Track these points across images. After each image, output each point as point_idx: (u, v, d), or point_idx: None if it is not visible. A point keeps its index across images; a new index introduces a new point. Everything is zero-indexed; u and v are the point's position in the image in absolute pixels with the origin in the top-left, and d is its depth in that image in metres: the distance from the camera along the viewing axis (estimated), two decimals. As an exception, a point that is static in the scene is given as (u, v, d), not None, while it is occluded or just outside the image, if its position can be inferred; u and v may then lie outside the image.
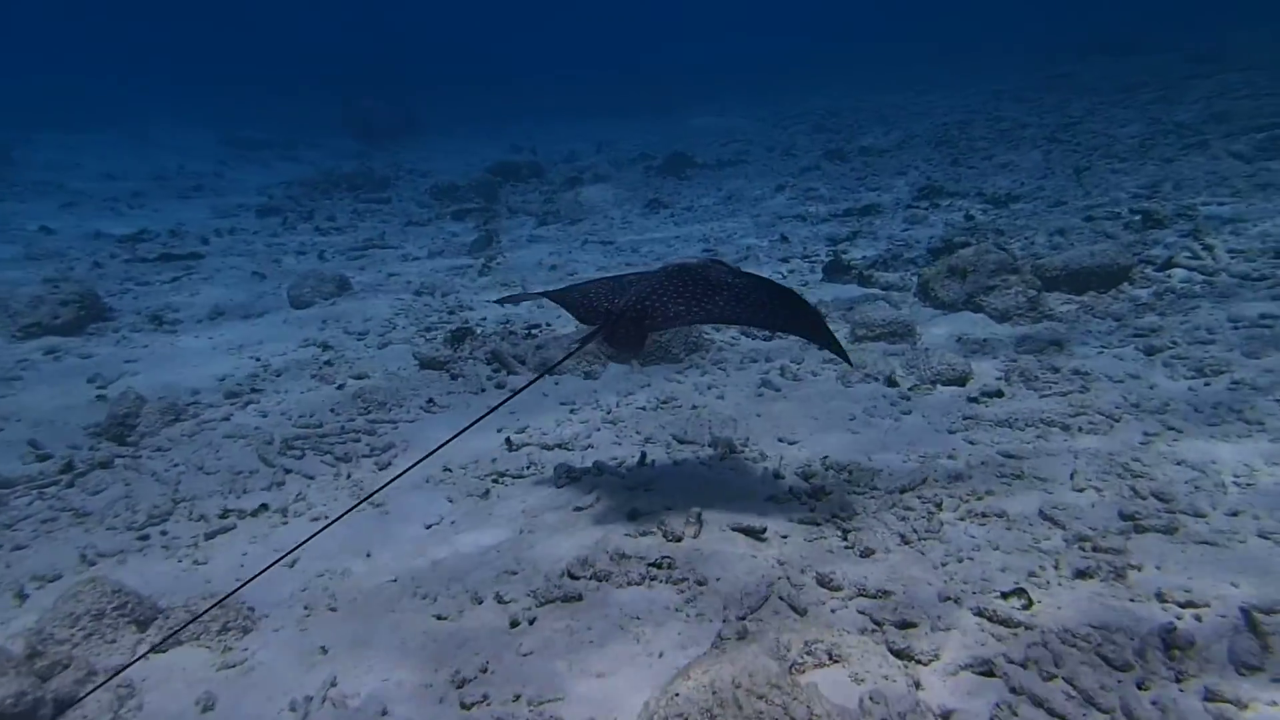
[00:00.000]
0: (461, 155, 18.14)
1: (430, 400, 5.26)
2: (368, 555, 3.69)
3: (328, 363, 5.99)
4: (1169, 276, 6.41)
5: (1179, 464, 3.87)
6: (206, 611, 3.10)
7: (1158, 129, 12.52)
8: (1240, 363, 4.82)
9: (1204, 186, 9.05)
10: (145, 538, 3.95)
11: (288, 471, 4.48)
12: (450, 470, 4.40)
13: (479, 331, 6.36)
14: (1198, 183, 9.20)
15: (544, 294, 4.15)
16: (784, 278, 7.85)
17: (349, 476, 4.42)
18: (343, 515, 3.15)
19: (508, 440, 4.70)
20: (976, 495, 3.79)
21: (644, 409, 5.17)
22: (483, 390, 5.46)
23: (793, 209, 10.73)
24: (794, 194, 11.58)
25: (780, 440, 4.58)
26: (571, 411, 5.16)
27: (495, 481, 4.29)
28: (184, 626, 3.11)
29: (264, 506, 4.12)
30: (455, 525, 3.90)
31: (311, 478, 4.44)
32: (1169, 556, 3.20)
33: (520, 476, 4.34)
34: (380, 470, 4.47)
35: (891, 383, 5.19)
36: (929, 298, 6.60)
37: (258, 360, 6.19)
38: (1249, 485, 3.62)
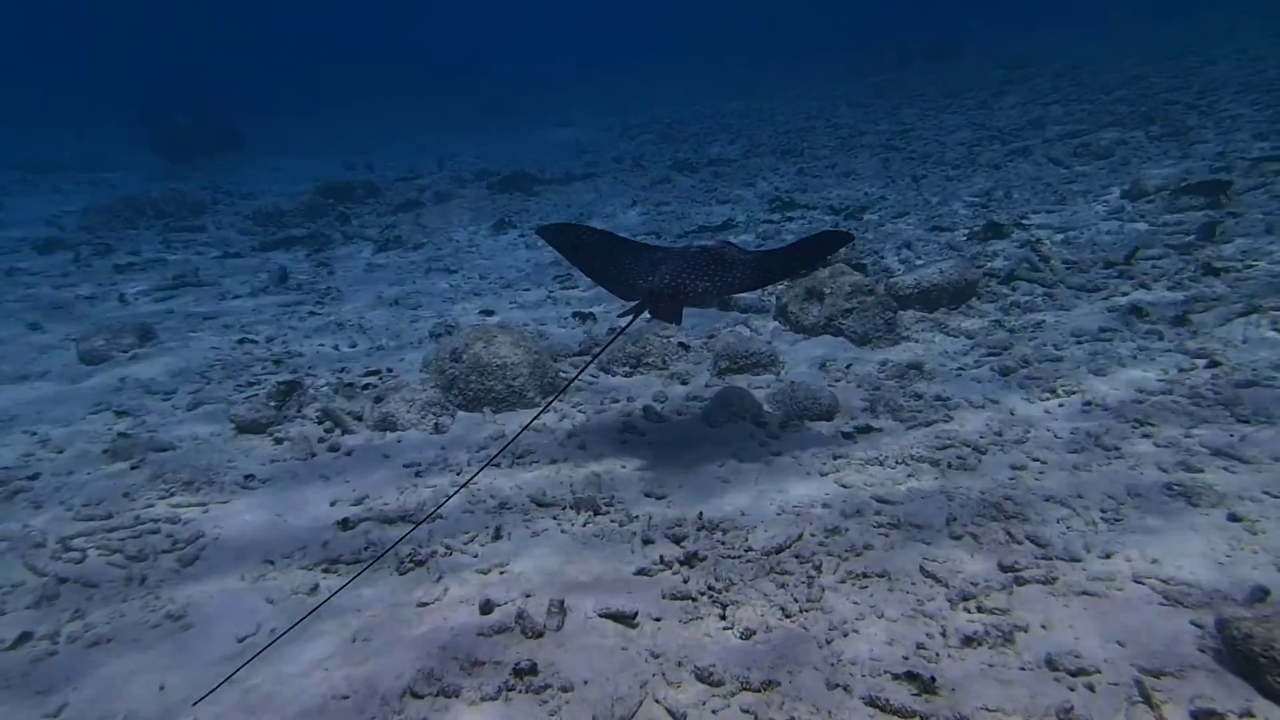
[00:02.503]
0: (292, 175, 16.80)
1: (248, 475, 4.56)
2: (160, 689, 3.04)
3: (123, 434, 5.13)
4: (1013, 289, 6.56)
5: (1048, 500, 3.80)
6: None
7: (983, 135, 13.19)
8: (1089, 382, 4.89)
9: (1032, 194, 9.48)
10: None
11: (62, 581, 3.71)
12: (272, 563, 3.77)
13: (308, 384, 5.66)
14: (1025, 190, 9.64)
15: (572, 261, 4.61)
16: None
17: (143, 581, 3.70)
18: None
19: (343, 520, 4.10)
20: (855, 551, 3.57)
21: (498, 466, 4.70)
22: (313, 455, 4.81)
23: (646, 226, 10.48)
24: (646, 209, 11.35)
25: (648, 495, 4.23)
26: (417, 475, 4.61)
27: (326, 572, 3.70)
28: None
29: (25, 635, 3.35)
30: (275, 635, 3.29)
31: (94, 586, 3.68)
32: (1053, 613, 3.06)
33: (356, 562, 3.77)
34: (184, 567, 3.78)
35: (759, 421, 4.96)
36: (789, 321, 6.46)
37: (34, 436, 5.23)
38: (1117, 521, 3.57)
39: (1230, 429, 4.16)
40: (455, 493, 4.19)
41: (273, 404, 5.24)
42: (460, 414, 5.35)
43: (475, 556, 3.73)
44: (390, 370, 6.06)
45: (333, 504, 4.29)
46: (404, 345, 6.69)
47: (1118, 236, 7.36)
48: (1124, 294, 6.02)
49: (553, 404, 5.27)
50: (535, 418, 4.23)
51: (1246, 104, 11.34)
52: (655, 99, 25.33)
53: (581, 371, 4.43)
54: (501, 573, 3.57)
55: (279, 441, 4.95)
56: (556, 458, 4.69)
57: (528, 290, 8.19)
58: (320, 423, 5.10)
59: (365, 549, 3.86)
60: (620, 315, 4.31)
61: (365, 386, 5.76)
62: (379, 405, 5.20)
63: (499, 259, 9.45)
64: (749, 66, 30.18)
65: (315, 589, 3.54)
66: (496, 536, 3.88)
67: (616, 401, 5.42)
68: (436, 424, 5.13)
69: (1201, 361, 4.84)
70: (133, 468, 4.69)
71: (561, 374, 5.90)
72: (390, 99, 32.21)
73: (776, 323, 6.64)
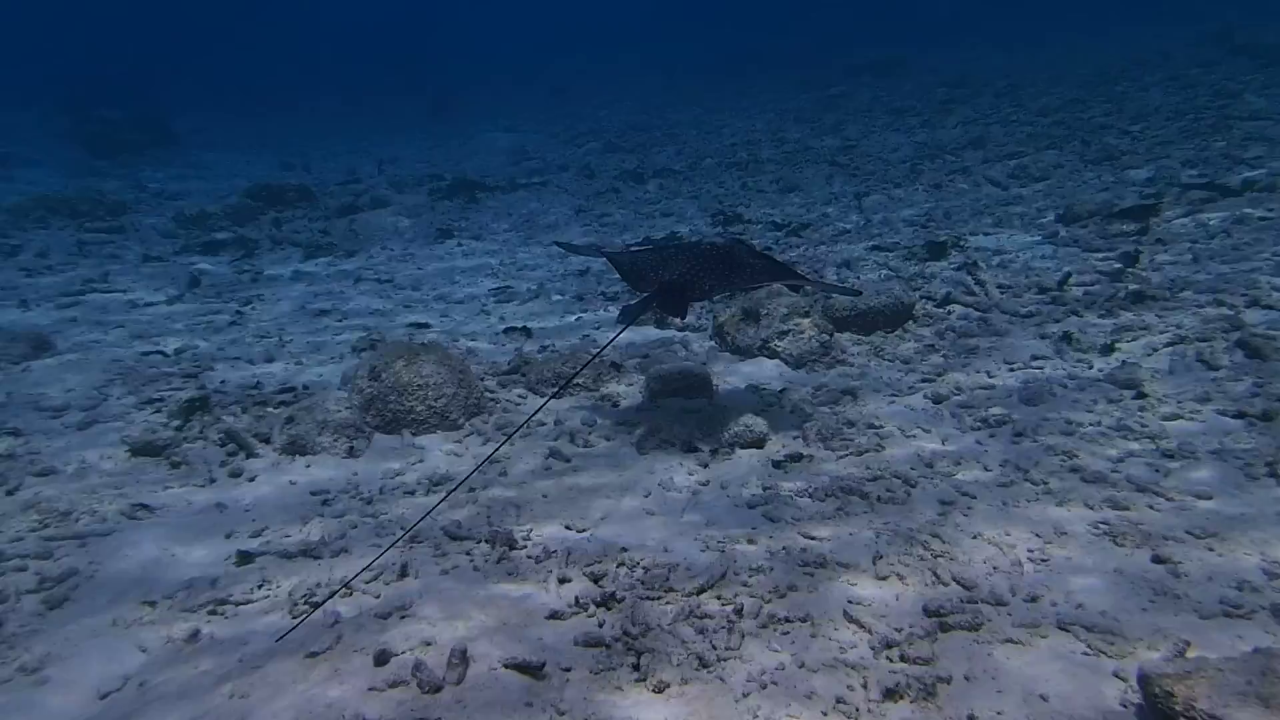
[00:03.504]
0: (224, 175, 16.17)
1: (138, 505, 4.23)
2: (7, 758, 2.74)
3: (4, 456, 4.75)
4: (949, 313, 6.53)
5: (975, 538, 3.70)
6: None
7: (924, 153, 13.32)
8: (1020, 412, 4.84)
9: (970, 215, 9.55)
10: None
11: (-89, 628, 3.36)
12: (151, 604, 3.47)
13: (216, 402, 5.33)
14: (964, 210, 9.71)
15: (602, 253, 5.14)
16: (577, 319, 7.36)
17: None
18: None
19: (240, 554, 3.82)
20: (779, 592, 3.41)
21: (412, 493, 4.46)
22: (212, 481, 4.51)
23: (588, 236, 10.30)
24: (589, 220, 11.16)
25: (568, 528, 4.03)
26: (324, 503, 4.35)
27: (212, 614, 3.42)
28: None
29: None
30: (145, 690, 3.01)
31: (-54, 632, 3.34)
32: (977, 662, 2.94)
33: (247, 602, 3.49)
34: (49, 610, 3.45)
35: (690, 447, 4.80)
36: (725, 342, 6.33)
37: (-99, 457, 4.82)
38: (1043, 562, 3.48)
39: (1156, 464, 4.12)
40: (442, 500, 3.95)
41: (174, 424, 4.92)
42: (378, 436, 5.09)
43: (377, 598, 3.48)
44: (307, 387, 5.76)
45: (229, 536, 4.00)
46: (325, 359, 6.38)
47: (1052, 261, 7.41)
48: (1056, 321, 6.02)
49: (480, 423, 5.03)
50: (542, 407, 4.02)
51: (1176, 131, 11.63)
52: (605, 104, 25.21)
53: (595, 357, 4.79)
54: (403, 617, 3.33)
55: (176, 466, 4.62)
56: (476, 485, 4.46)
57: (461, 302, 7.94)
58: (223, 445, 4.79)
59: (260, 586, 3.59)
60: (628, 305, 4.79)
61: (279, 404, 5.45)
62: (289, 426, 4.91)
63: (435, 269, 9.17)
64: (699, 75, 30.23)
65: (195, 635, 3.26)
66: (403, 574, 3.64)
67: (543, 425, 5.22)
68: (350, 447, 4.86)
69: (1130, 393, 4.83)
70: (8, 494, 4.32)
71: (488, 394, 5.68)
72: (335, 97, 31.47)
73: (713, 343, 6.50)
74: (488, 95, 28.88)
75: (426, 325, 7.16)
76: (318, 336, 6.91)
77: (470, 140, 20.52)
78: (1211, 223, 7.51)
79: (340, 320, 7.32)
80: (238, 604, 3.47)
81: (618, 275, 8.48)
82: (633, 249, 4.86)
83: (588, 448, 4.94)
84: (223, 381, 5.91)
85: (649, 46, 40.85)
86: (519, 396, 5.74)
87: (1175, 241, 7.22)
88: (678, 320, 4.66)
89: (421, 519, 3.88)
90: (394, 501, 4.37)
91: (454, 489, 4.23)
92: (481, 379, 5.97)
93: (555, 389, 5.63)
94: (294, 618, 3.35)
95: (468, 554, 3.81)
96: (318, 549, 3.87)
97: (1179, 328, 5.43)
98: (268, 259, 9.64)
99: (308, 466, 4.67)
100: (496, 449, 4.53)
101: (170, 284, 8.52)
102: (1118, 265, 6.83)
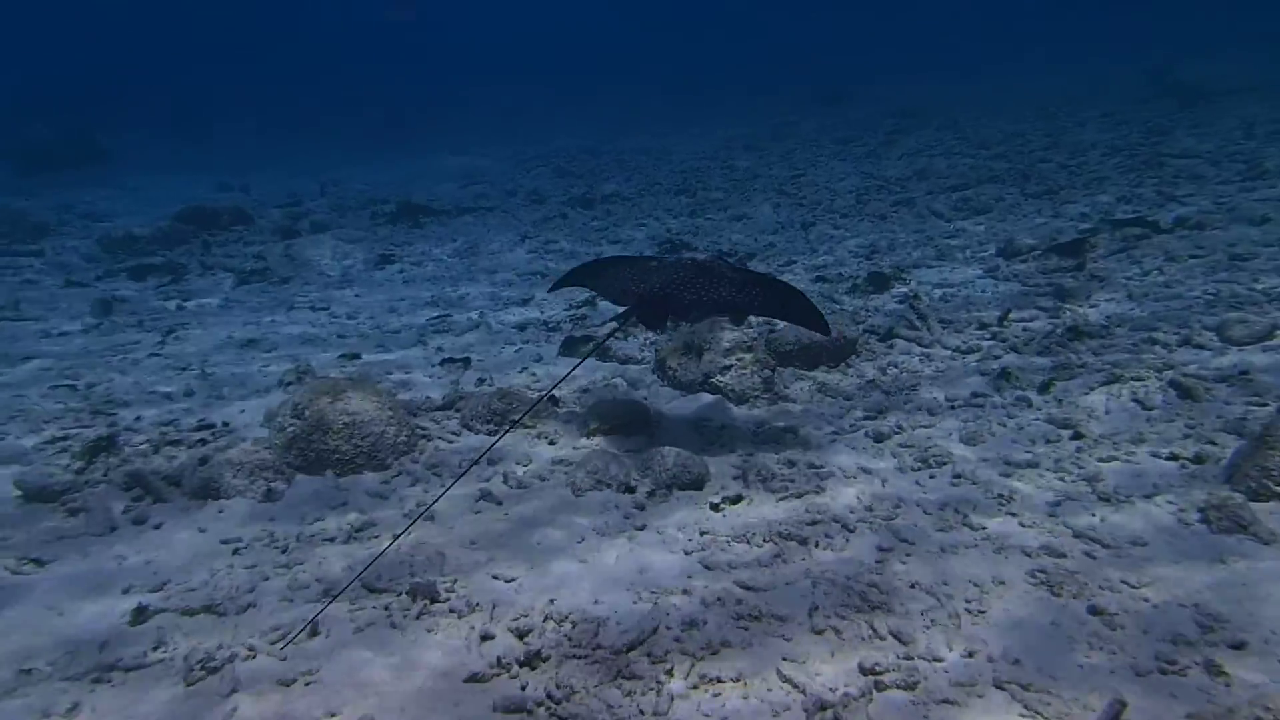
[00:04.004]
0: (158, 197, 15.57)
1: (25, 558, 3.92)
2: None
3: (-118, 502, 4.39)
4: (891, 348, 6.50)
5: (913, 587, 3.61)
6: None
7: (870, 184, 13.46)
8: (959, 451, 4.80)
9: (914, 246, 9.62)
10: None
11: None
12: (28, 673, 3.18)
13: (125, 441, 5.03)
14: (908, 243, 9.78)
15: (578, 277, 5.12)
16: (518, 350, 7.19)
17: None
18: None
19: (136, 611, 3.55)
20: (711, 649, 3.27)
21: (332, 540, 4.22)
22: (113, 529, 4.21)
23: (533, 264, 10.14)
24: (535, 247, 11.01)
25: (495, 578, 3.84)
26: (235, 552, 4.09)
27: (98, 681, 3.15)
28: None
29: None
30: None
31: None
32: (913, 726, 2.83)
33: (139, 667, 3.22)
34: (-83, 681, 3.14)
35: (627, 488, 4.65)
36: (667, 377, 6.21)
37: None
38: (981, 614, 3.40)
39: (1092, 508, 4.09)
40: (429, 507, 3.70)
41: (75, 466, 4.61)
42: (299, 478, 4.84)
43: (282, 660, 3.25)
44: (227, 424, 5.48)
45: (126, 590, 3.73)
46: (250, 393, 6.10)
47: (993, 295, 7.46)
48: (996, 357, 6.02)
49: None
50: (497, 441, 3.84)
51: (1111, 167, 11.93)
52: (557, 128, 25.16)
53: (579, 364, 4.78)
54: (308, 683, 3.11)
55: (73, 513, 4.31)
56: (399, 532, 4.24)
57: (398, 332, 7.70)
58: (128, 489, 4.49)
59: (155, 648, 3.33)
60: (610, 320, 5.09)
61: (195, 444, 5.17)
62: (202, 468, 4.63)
63: (373, 296, 8.91)
64: (652, 100, 30.42)
65: (75, 708, 2.99)
66: (313, 633, 3.41)
67: (475, 464, 5.02)
68: (269, 490, 4.60)
69: (1067, 433, 4.82)
70: (-117, 548, 3.98)
71: (420, 430, 5.46)
72: (281, 116, 30.89)
73: (655, 377, 6.37)
74: (439, 118, 28.63)
75: (358, 356, 6.91)
76: (244, 368, 6.61)
77: (419, 163, 20.25)
78: (1145, 260, 7.64)
79: (269, 351, 7.03)
80: (127, 670, 3.21)
81: (561, 305, 8.39)
82: (612, 259, 5.05)
83: (521, 489, 4.75)
84: (137, 418, 5.59)
85: (602, 71, 41.07)
86: (452, 434, 5.53)
87: (1111, 278, 7.33)
88: (652, 334, 4.89)
89: (351, 581, 3.66)
90: (312, 549, 4.13)
91: (390, 546, 4.01)
92: (414, 414, 5.76)
93: (506, 425, 5.45)
94: (188, 685, 3.11)
95: (386, 609, 3.60)
96: (223, 604, 3.61)
97: (1115, 366, 5.46)
98: (197, 285, 9.26)
99: (220, 512, 4.41)
100: (436, 499, 4.33)
101: (88, 312, 8.11)
102: (1056, 302, 6.90)
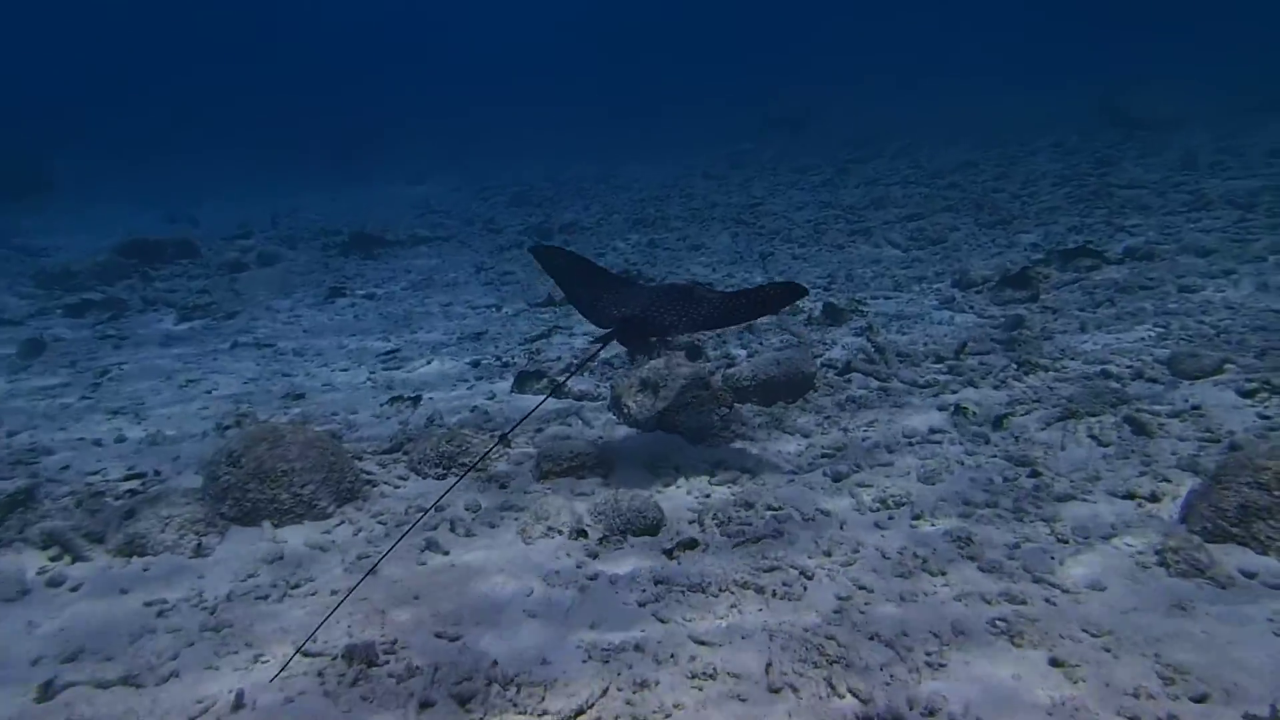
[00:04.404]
0: (102, 227, 15.10)
1: (-74, 628, 3.64)
2: None
3: None
4: (848, 382, 6.44)
5: (873, 639, 3.49)
6: None
7: (828, 213, 13.54)
8: (917, 491, 4.72)
9: (871, 277, 9.64)
10: None
11: None
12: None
13: (45, 495, 4.75)
14: (865, 274, 9.80)
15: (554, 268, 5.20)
16: (471, 386, 7.01)
17: None
18: None
19: (44, 685, 3.29)
20: (664, 711, 3.12)
21: (265, 599, 4.00)
22: (24, 593, 3.94)
23: (487, 297, 9.97)
24: (490, 278, 10.84)
25: (439, 636, 3.66)
26: (160, 614, 3.84)
27: (-1, 771, 2.90)
28: None
29: None
30: None
31: None
32: (872, 797, 2.70)
33: (49, 751, 2.98)
34: None
35: (579, 533, 4.49)
36: (623, 414, 6.07)
37: None
38: (941, 667, 3.29)
39: (1051, 550, 4.02)
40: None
41: (-9, 522, 4.33)
42: (234, 529, 4.61)
43: (200, 745, 3.03)
44: (159, 473, 5.21)
45: (35, 662, 3.47)
46: (186, 438, 5.83)
47: (949, 327, 7.47)
48: (954, 391, 5.99)
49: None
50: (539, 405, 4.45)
51: (1062, 196, 12.14)
52: (516, 156, 25.08)
53: (535, 409, 4.88)
54: (226, 772, 2.89)
55: (-16, 576, 4.04)
56: (339, 588, 4.03)
57: (346, 370, 7.47)
58: (45, 548, 4.22)
59: (66, 729, 3.08)
60: (593, 341, 5.31)
61: (123, 494, 4.91)
62: (128, 522, 4.38)
63: (321, 332, 8.66)
64: (611, 127, 30.53)
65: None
66: (237, 705, 3.19)
67: (422, 511, 4.82)
68: (199, 545, 4.36)
69: (1024, 470, 4.77)
70: None
71: (365, 475, 5.25)
72: (237, 143, 30.40)
73: (611, 414, 6.23)
74: (397, 146, 28.39)
75: (303, 396, 6.67)
76: (181, 411, 6.34)
77: (376, 191, 20.02)
78: (1097, 291, 7.72)
79: (209, 392, 6.75)
80: (33, 754, 2.96)
81: (516, 339, 8.24)
82: (591, 267, 5.24)
83: (469, 537, 4.58)
84: (64, 468, 5.30)
85: (563, 99, 41.19)
86: (399, 478, 5.33)
87: (1064, 310, 7.38)
88: (637, 354, 5.39)
89: (291, 657, 3.44)
90: (244, 609, 3.90)
91: (328, 618, 3.80)
92: (359, 458, 5.55)
93: (456, 472, 5.26)
94: (98, 769, 2.87)
95: (319, 675, 3.39)
96: (141, 675, 3.37)
97: (1070, 400, 5.44)
98: (137, 322, 8.93)
99: (145, 570, 4.16)
100: (380, 559, 4.13)
101: (17, 352, 7.75)
102: (1011, 334, 6.91)
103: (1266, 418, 4.94)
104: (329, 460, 4.94)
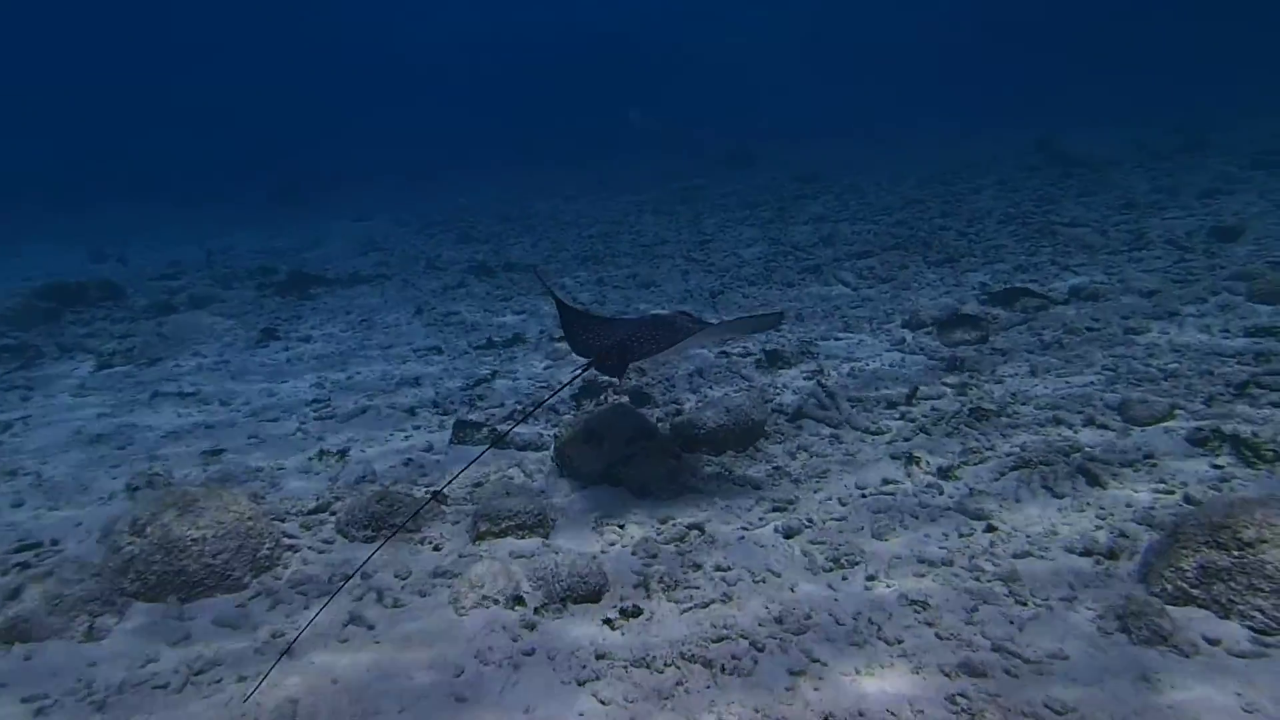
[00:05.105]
0: (18, 269, 14.42)
1: None
2: None
3: None
4: (800, 429, 6.26)
5: (826, 718, 3.25)
6: None
7: (778, 250, 13.48)
8: (871, 549, 4.51)
9: (821, 316, 9.54)
10: None
11: None
12: None
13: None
14: (816, 313, 9.71)
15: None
16: (407, 437, 6.67)
17: None
18: None
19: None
20: (601, 815, 2.83)
21: (164, 687, 3.62)
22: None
23: (429, 339, 9.64)
24: (434, 319, 10.51)
25: (357, 728, 3.32)
26: (39, 712, 3.44)
27: None
28: None
29: None
30: None
31: None
32: None
33: None
34: None
35: (517, 601, 4.19)
36: (567, 466, 5.80)
37: None
38: (900, 750, 3.06)
39: (1010, 613, 3.84)
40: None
41: None
42: (136, 606, 4.22)
43: None
44: (56, 543, 4.78)
45: (-114, 777, 3.05)
46: (90, 502, 5.40)
47: (900, 369, 7.36)
48: (906, 439, 5.84)
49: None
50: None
51: (1007, 234, 12.26)
52: (464, 192, 24.81)
53: (473, 461, 5.41)
54: None
55: None
56: (248, 674, 3.67)
57: (275, 420, 7.07)
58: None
59: None
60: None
61: (13, 568, 4.47)
62: (11, 603, 3.96)
63: (250, 380, 8.23)
64: (561, 162, 30.47)
65: None
66: (119, 824, 2.82)
67: (347, 578, 4.48)
68: (91, 627, 3.96)
69: (980, 525, 4.61)
70: None
71: (286, 539, 4.89)
72: (171, 177, 29.56)
73: (554, 465, 5.95)
74: (342, 181, 27.91)
75: (223, 451, 6.26)
76: (88, 471, 5.88)
77: (320, 228, 19.52)
78: (1045, 332, 7.70)
79: (121, 449, 6.30)
80: None
81: (457, 385, 7.93)
82: (580, 312, 5.84)
83: (397, 608, 4.25)
84: (-54, 536, 4.84)
85: (512, 134, 41.15)
86: (324, 542, 4.98)
87: (1014, 352, 7.32)
88: (616, 380, 5.85)
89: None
90: (137, 700, 3.52)
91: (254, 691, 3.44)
92: (281, 520, 5.19)
93: (385, 533, 4.91)
94: None
95: (218, 781, 3.03)
96: (12, 789, 2.98)
97: (1023, 449, 5.33)
98: (50, 371, 8.39)
99: (27, 659, 3.74)
100: (296, 636, 3.77)
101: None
102: (961, 377, 6.82)
103: (1219, 468, 4.86)
104: (245, 526, 4.57)
